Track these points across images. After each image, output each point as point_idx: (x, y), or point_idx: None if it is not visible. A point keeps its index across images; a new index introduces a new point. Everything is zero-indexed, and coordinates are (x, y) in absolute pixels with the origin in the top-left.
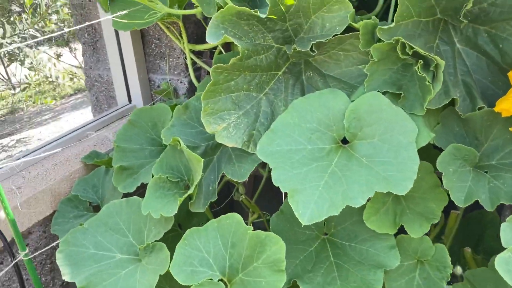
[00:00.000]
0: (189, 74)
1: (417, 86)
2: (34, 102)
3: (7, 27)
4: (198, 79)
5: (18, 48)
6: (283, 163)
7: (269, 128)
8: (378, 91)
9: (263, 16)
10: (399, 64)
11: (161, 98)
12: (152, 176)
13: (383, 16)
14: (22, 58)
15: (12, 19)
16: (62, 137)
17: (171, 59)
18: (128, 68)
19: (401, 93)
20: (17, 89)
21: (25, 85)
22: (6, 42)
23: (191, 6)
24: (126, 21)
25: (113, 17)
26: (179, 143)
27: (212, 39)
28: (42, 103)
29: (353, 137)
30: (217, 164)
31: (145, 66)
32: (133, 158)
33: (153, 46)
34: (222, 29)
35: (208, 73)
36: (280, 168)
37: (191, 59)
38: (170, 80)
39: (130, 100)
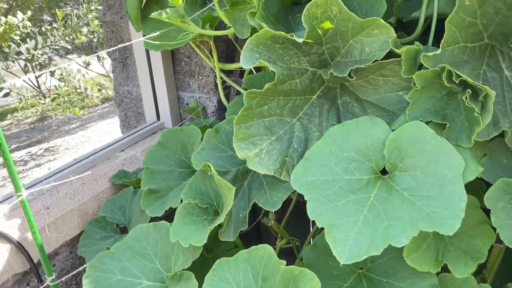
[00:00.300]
0: (218, 93)
1: (463, 116)
2: (63, 111)
3: (39, 38)
4: (227, 97)
5: (49, 59)
6: (318, 195)
7: (302, 154)
8: (421, 120)
9: (300, 40)
10: (443, 91)
11: (189, 116)
12: (181, 201)
13: (422, 37)
14: (53, 70)
15: (43, 29)
16: (91, 155)
17: (200, 77)
18: (158, 85)
19: (446, 123)
20: (47, 99)
21: (55, 95)
22: (38, 53)
23: (222, 24)
24: (158, 42)
25: (145, 39)
26: (210, 168)
27: (247, 64)
28: (70, 112)
29: (394, 168)
30: (248, 190)
31: (175, 84)
32: (161, 180)
33: (183, 64)
34: (257, 53)
35: (238, 92)
36: (316, 200)
37: (221, 78)
38: (199, 98)
39: (158, 118)
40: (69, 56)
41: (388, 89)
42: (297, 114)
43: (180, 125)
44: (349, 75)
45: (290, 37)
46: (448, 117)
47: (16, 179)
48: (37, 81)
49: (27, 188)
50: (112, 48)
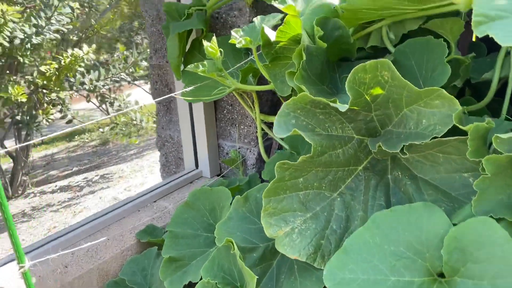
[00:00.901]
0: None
1: None
2: (122, 136)
3: (102, 70)
4: (269, 150)
5: (109, 91)
6: None
7: (342, 237)
8: (491, 216)
9: (342, 109)
10: None
11: (228, 167)
12: (201, 278)
13: (494, 99)
14: (112, 101)
15: (107, 60)
16: (121, 206)
17: (242, 127)
18: (198, 132)
19: None
20: (106, 128)
21: (113, 125)
22: (101, 85)
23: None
24: (191, 98)
25: (182, 92)
26: (233, 245)
27: (281, 132)
28: (127, 141)
29: (454, 273)
30: (277, 271)
31: (215, 132)
32: (185, 246)
33: (225, 111)
34: (293, 118)
35: (280, 146)
36: None
37: (262, 129)
38: (239, 148)
39: (197, 166)
40: (136, 81)
41: (449, 168)
42: (338, 188)
43: (221, 175)
44: (401, 151)
45: (331, 103)
46: None
47: (19, 249)
48: (107, 110)
49: (28, 252)
50: (159, 98)
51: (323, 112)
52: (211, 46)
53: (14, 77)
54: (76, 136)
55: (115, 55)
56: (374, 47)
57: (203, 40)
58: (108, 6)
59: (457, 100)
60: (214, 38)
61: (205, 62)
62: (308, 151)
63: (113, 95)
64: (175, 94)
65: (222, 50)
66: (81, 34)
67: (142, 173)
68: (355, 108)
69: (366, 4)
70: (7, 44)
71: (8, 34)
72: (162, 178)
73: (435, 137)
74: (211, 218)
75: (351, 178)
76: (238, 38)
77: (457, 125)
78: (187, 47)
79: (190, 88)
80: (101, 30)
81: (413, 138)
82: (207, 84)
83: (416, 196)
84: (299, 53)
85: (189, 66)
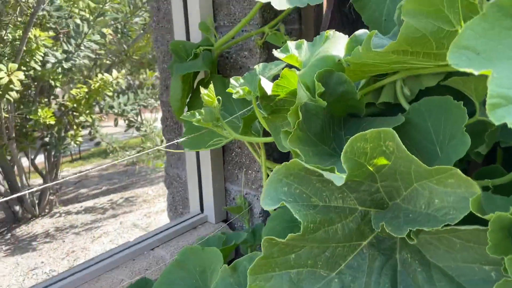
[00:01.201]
0: None
1: None
2: (148, 160)
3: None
4: None
5: (137, 115)
6: None
7: None
8: None
9: (339, 183)
10: None
11: (233, 214)
12: None
13: None
14: (138, 126)
15: (138, 82)
16: (113, 255)
17: (250, 171)
18: (204, 174)
19: None
20: (133, 151)
21: (140, 149)
22: (129, 109)
23: None
24: (190, 146)
25: (182, 140)
26: None
27: (269, 203)
28: (153, 165)
29: None
30: None
31: (223, 174)
32: None
33: (233, 154)
34: (285, 185)
35: None
36: None
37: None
38: (246, 194)
39: (202, 210)
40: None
41: (467, 257)
42: (337, 267)
43: (227, 222)
44: (408, 236)
45: (326, 174)
46: None
47: None
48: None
49: None
50: (167, 143)
51: (320, 179)
52: (207, 94)
53: (46, 100)
54: (110, 154)
55: (143, 80)
56: (387, 103)
57: (200, 87)
58: (141, 31)
59: (475, 183)
60: (211, 85)
61: (202, 110)
62: None
63: (139, 120)
64: (164, 147)
65: (220, 98)
66: (114, 58)
67: (165, 198)
68: (355, 179)
69: (373, 59)
70: (39, 68)
71: (41, 58)
72: (169, 218)
73: (447, 225)
74: (201, 281)
75: (353, 256)
76: (236, 87)
77: (476, 213)
78: (194, 86)
79: (183, 139)
80: (133, 55)
81: (423, 222)
82: (207, 133)
83: (426, 285)
84: (295, 112)
85: (184, 114)
